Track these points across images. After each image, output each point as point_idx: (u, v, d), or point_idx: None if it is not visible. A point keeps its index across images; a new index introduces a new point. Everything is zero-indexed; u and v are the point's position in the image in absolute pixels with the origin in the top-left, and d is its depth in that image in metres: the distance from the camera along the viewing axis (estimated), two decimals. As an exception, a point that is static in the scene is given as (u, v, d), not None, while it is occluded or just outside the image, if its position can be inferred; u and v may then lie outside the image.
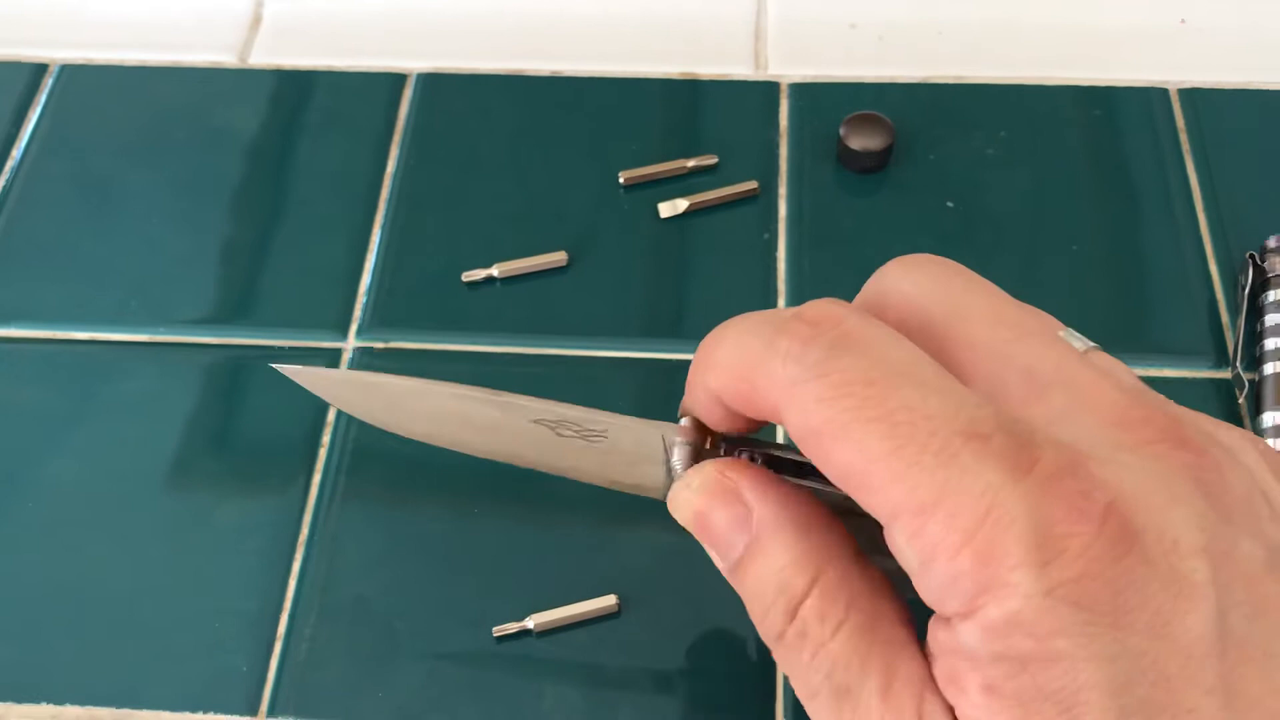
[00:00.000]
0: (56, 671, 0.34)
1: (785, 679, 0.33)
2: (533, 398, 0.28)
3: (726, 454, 0.26)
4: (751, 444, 0.26)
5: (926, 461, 0.19)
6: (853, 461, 0.20)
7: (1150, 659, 0.18)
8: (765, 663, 0.33)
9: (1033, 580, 0.18)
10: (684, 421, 0.26)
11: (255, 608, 0.35)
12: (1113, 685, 0.18)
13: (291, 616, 0.34)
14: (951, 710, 0.20)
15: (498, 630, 0.34)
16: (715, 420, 0.25)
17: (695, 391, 0.25)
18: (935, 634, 0.20)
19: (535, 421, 0.28)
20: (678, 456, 0.26)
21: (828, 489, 0.24)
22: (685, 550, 0.35)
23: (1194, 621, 0.18)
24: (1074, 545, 0.18)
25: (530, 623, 0.34)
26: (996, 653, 0.18)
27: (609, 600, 0.34)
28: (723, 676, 0.33)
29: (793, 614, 0.22)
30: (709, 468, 0.24)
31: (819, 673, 0.21)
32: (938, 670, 0.20)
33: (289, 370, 0.31)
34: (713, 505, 0.24)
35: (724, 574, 0.24)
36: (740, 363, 0.22)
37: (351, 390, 0.31)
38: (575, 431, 0.27)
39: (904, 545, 0.19)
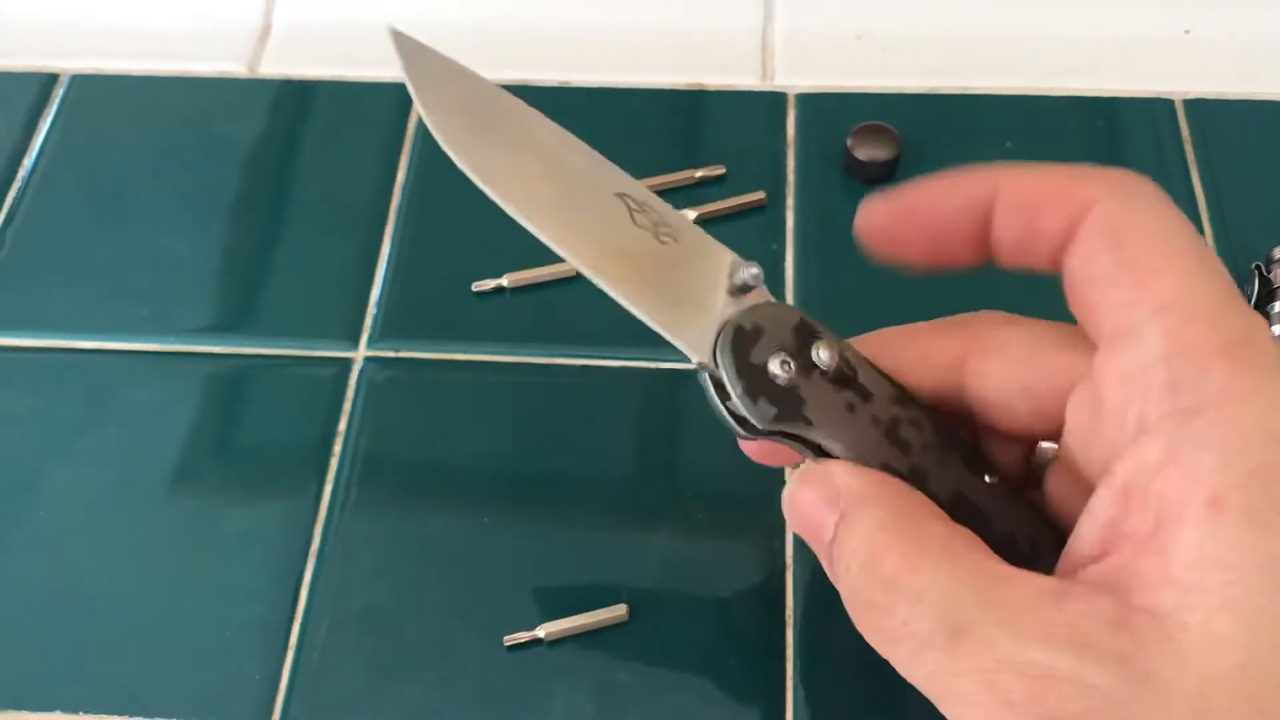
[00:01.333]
0: (69, 680, 0.34)
1: (795, 690, 0.33)
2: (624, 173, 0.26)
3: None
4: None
5: (1215, 284, 0.20)
6: (1150, 258, 0.21)
7: None
8: (776, 673, 0.33)
9: None
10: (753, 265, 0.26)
11: (267, 616, 0.35)
12: None
13: (303, 625, 0.35)
14: (1113, 595, 0.19)
15: (509, 639, 0.34)
16: (926, 237, 0.25)
17: (951, 189, 0.24)
18: (1132, 465, 0.20)
19: (619, 195, 0.26)
20: (743, 273, 0.25)
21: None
22: (695, 560, 0.35)
23: None
24: None
25: (541, 632, 0.34)
26: (1235, 454, 0.18)
27: (619, 610, 0.34)
28: (732, 686, 0.33)
29: (878, 574, 0.21)
30: (806, 463, 0.25)
31: (925, 620, 0.20)
32: (1128, 515, 0.20)
33: (400, 38, 0.27)
34: (807, 488, 0.24)
35: (829, 574, 0.24)
36: (1070, 169, 0.23)
37: (449, 83, 0.27)
38: (651, 223, 0.26)
39: (1154, 338, 0.20)
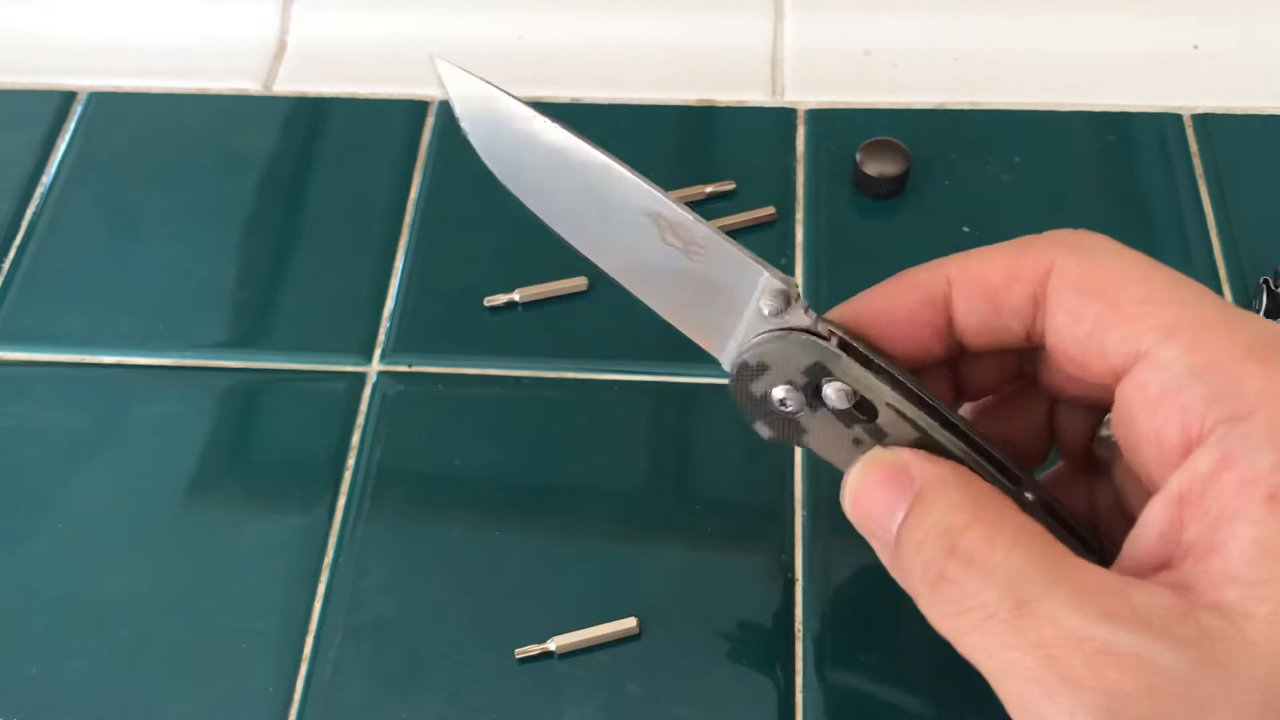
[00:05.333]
0: (83, 690, 0.35)
1: (805, 705, 0.33)
2: (654, 186, 0.27)
3: (807, 315, 0.26)
4: (827, 321, 0.26)
5: (1209, 300, 0.21)
6: (1138, 293, 0.22)
7: None
8: (786, 687, 0.34)
9: None
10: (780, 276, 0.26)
11: (280, 628, 0.35)
12: None
13: (317, 637, 0.35)
14: (1172, 591, 0.20)
15: (520, 652, 0.34)
16: (902, 329, 0.25)
17: (903, 291, 0.25)
18: (1185, 476, 0.20)
19: (648, 214, 0.26)
20: (767, 299, 0.25)
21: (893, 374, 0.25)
22: (705, 573, 0.35)
23: None
24: None
25: (552, 644, 0.34)
26: None
27: (629, 623, 0.34)
28: (742, 700, 0.33)
29: (953, 549, 0.22)
30: (876, 449, 0.25)
31: (993, 592, 0.21)
32: (1183, 524, 0.20)
33: (445, 67, 0.28)
34: (875, 473, 0.24)
35: (885, 560, 0.24)
36: (1017, 243, 0.24)
37: (487, 115, 0.28)
38: (679, 242, 0.26)
39: (1174, 359, 0.21)
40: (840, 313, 0.26)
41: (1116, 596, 0.20)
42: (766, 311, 0.25)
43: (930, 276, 0.25)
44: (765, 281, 0.26)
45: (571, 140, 0.27)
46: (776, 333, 0.25)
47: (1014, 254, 0.24)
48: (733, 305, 0.26)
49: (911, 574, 0.23)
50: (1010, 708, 0.21)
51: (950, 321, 0.25)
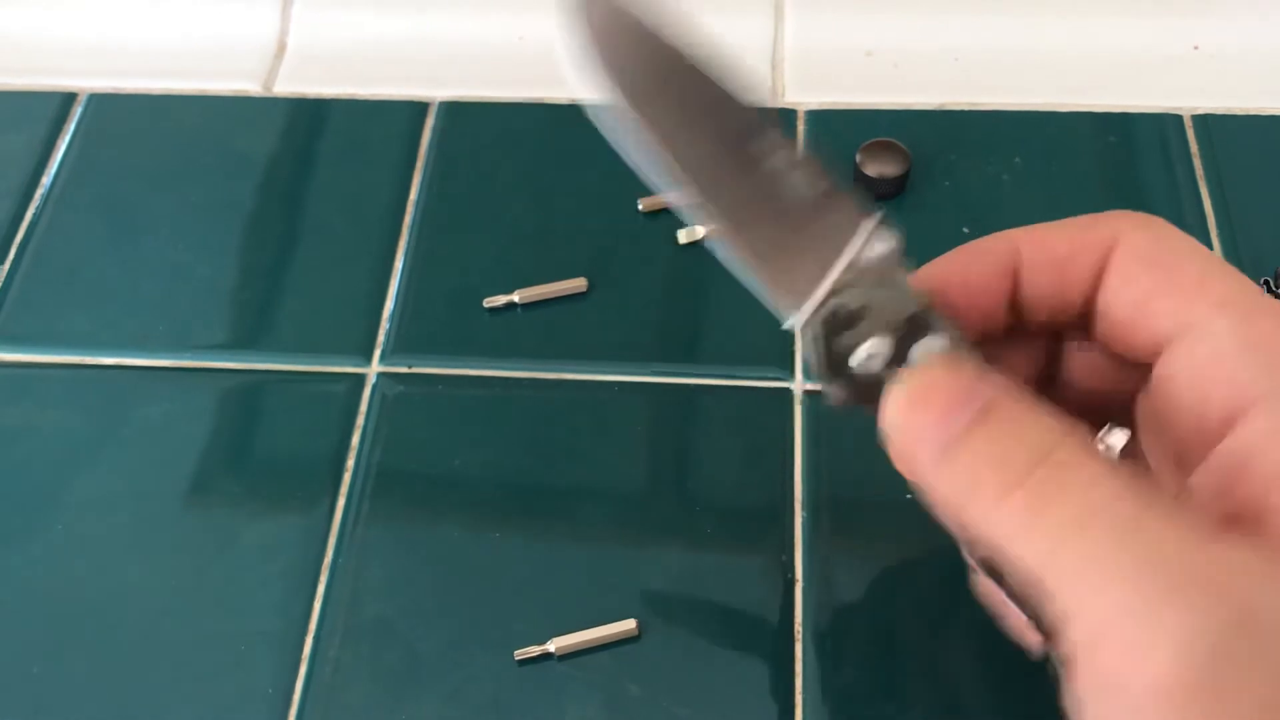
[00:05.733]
0: (83, 690, 0.35)
1: (804, 705, 0.33)
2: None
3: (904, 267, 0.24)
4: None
5: (1258, 289, 0.23)
6: (1194, 269, 0.23)
7: None
8: (785, 688, 0.34)
9: None
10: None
11: (280, 629, 0.35)
12: None
13: (316, 638, 0.35)
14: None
15: (519, 653, 0.34)
16: (967, 288, 0.25)
17: (977, 257, 0.25)
18: (1234, 443, 0.21)
19: (760, 149, 0.24)
20: (876, 242, 0.24)
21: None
22: (705, 574, 0.35)
23: None
24: None
25: (551, 646, 0.34)
26: None
27: (629, 624, 0.34)
28: (742, 701, 0.33)
29: (1044, 457, 0.20)
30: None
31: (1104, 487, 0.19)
32: (1231, 491, 0.21)
33: None
34: (947, 372, 0.22)
35: (925, 461, 0.22)
36: (1081, 219, 0.25)
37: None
38: (786, 175, 0.24)
39: (1226, 331, 0.22)
40: (918, 277, 0.25)
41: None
42: (875, 254, 0.24)
43: (1001, 245, 0.25)
44: (868, 227, 0.24)
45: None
46: (879, 279, 0.24)
47: (1080, 227, 0.25)
48: (827, 246, 0.24)
49: (976, 479, 0.21)
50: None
51: (1015, 291, 0.25)
